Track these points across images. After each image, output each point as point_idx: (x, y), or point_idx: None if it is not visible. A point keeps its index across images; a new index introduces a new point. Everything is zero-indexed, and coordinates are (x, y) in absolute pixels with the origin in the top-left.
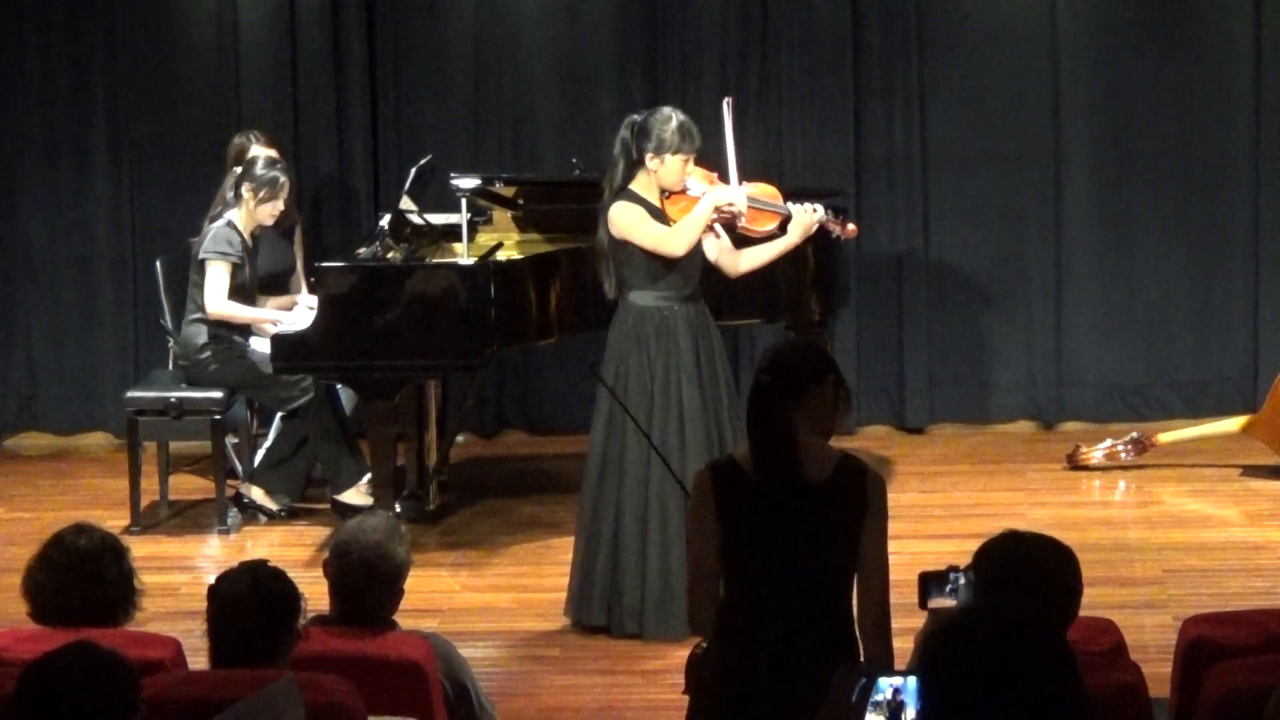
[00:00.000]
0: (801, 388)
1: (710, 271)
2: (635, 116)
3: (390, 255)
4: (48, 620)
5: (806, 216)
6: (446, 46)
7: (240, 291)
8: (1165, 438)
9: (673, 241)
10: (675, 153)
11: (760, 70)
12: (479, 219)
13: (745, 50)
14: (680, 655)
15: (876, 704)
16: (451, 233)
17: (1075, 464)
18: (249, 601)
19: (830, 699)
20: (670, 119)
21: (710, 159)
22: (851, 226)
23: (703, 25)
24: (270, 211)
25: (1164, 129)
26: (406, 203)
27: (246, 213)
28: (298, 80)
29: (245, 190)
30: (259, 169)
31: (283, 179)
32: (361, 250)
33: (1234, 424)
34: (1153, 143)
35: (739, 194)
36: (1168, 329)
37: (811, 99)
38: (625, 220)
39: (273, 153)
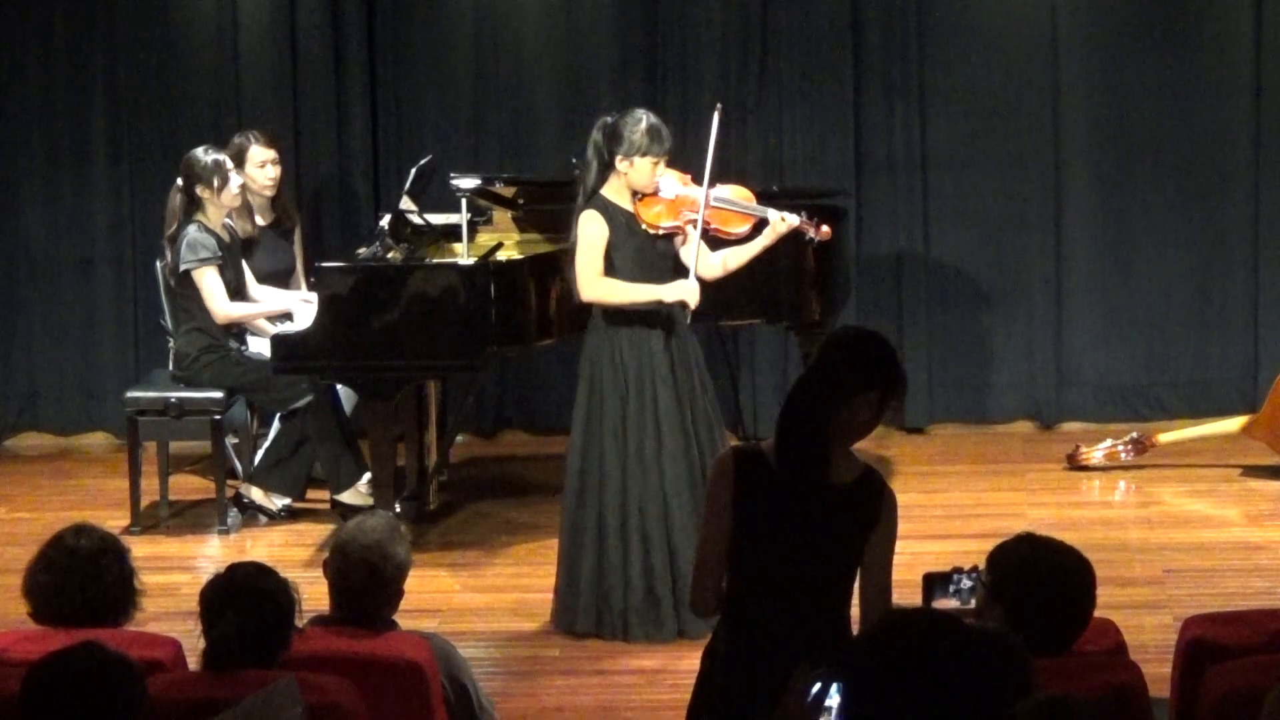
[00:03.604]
0: (850, 392)
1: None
2: (607, 118)
3: (390, 255)
4: (48, 620)
5: (782, 225)
6: (446, 46)
7: (229, 289)
8: (1165, 438)
9: (586, 287)
10: (644, 155)
11: (760, 70)
12: (479, 219)
13: (745, 50)
14: (678, 656)
15: (829, 710)
16: (451, 233)
17: (1075, 464)
18: (240, 601)
19: (785, 699)
20: (640, 121)
21: (685, 158)
22: (826, 228)
23: (702, 25)
24: (233, 192)
25: (1164, 129)
26: (406, 203)
27: (212, 209)
28: (298, 80)
29: (200, 191)
30: (198, 166)
31: (223, 156)
32: (361, 250)
33: (1234, 424)
34: (1152, 143)
35: (692, 289)
36: (1168, 329)
37: (811, 99)
38: (578, 234)
39: (272, 153)
